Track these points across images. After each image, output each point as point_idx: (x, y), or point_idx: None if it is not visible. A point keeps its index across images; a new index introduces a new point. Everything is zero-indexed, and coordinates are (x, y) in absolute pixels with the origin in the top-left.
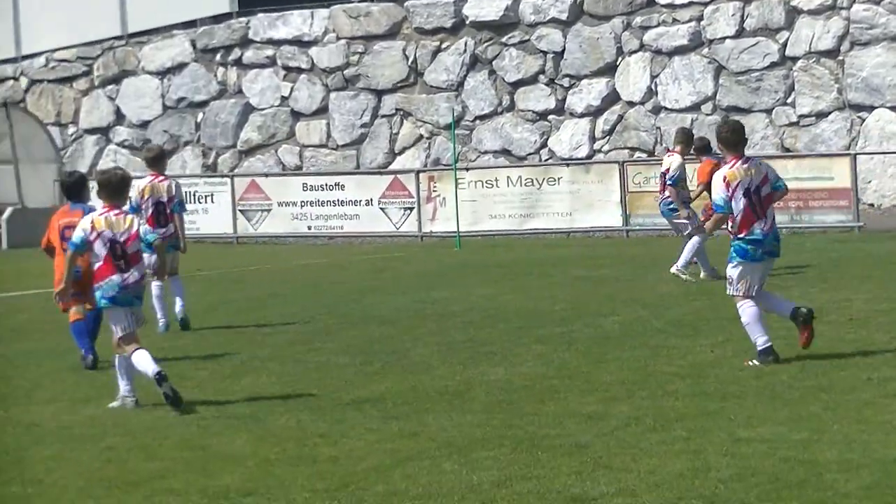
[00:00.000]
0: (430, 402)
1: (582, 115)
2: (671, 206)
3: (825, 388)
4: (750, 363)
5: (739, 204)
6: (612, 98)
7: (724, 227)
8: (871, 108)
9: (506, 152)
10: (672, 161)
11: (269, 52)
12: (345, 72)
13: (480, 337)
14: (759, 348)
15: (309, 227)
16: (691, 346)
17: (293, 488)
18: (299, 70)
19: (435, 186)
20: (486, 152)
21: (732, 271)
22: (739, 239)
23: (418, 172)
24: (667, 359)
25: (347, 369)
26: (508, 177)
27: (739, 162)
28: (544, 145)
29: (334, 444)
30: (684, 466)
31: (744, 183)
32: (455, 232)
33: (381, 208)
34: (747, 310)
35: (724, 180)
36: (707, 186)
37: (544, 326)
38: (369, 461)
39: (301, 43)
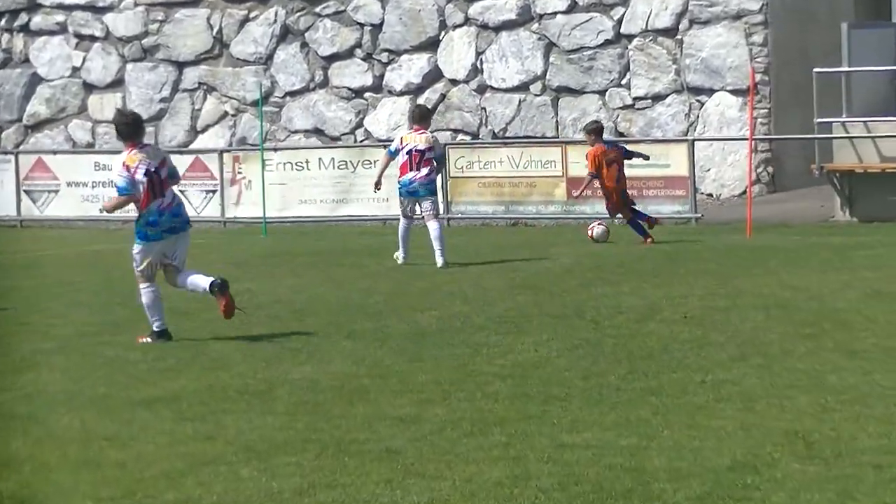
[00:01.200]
0: (228, 403)
1: (401, 94)
2: (434, 185)
3: (655, 390)
4: (143, 339)
5: (139, 187)
6: (435, 75)
7: None
8: (710, 92)
9: (318, 132)
10: (427, 137)
11: (60, 17)
12: (143, 41)
13: (286, 332)
14: (154, 330)
15: (101, 211)
16: (514, 344)
17: (74, 496)
18: (93, 38)
19: (240, 168)
20: (296, 132)
21: (135, 254)
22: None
23: (222, 152)
24: (487, 358)
25: (139, 365)
26: (321, 158)
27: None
28: (360, 125)
29: (122, 447)
30: (503, 474)
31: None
32: (261, 218)
33: (180, 191)
34: (146, 293)
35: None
36: (597, 173)
37: (356, 321)
38: (160, 466)
39: (95, 9)
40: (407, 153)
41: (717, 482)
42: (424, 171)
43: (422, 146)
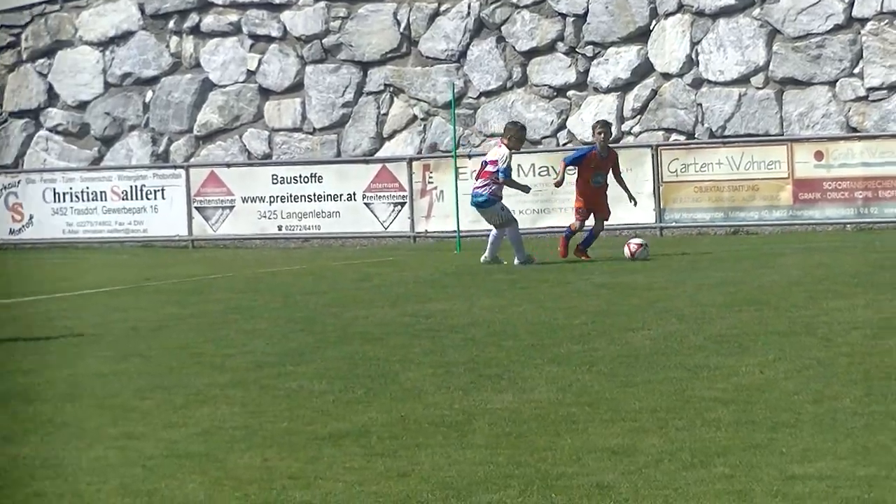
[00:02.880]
0: (422, 436)
1: (608, 91)
2: (485, 198)
3: None
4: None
5: None
6: (645, 69)
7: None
8: None
9: None
10: (500, 152)
11: (233, 17)
12: (323, 40)
13: (484, 357)
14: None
15: (279, 228)
16: (736, 365)
17: None
18: (269, 39)
19: (431, 177)
20: (493, 135)
21: None
22: None
23: (411, 160)
24: (707, 381)
25: (324, 397)
26: (520, 164)
27: None
28: (563, 126)
29: (307, 486)
30: None
31: None
32: (455, 231)
33: (366, 204)
34: None
35: None
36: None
37: (561, 344)
38: None
39: (271, 6)
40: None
41: None
42: (479, 182)
43: (486, 157)
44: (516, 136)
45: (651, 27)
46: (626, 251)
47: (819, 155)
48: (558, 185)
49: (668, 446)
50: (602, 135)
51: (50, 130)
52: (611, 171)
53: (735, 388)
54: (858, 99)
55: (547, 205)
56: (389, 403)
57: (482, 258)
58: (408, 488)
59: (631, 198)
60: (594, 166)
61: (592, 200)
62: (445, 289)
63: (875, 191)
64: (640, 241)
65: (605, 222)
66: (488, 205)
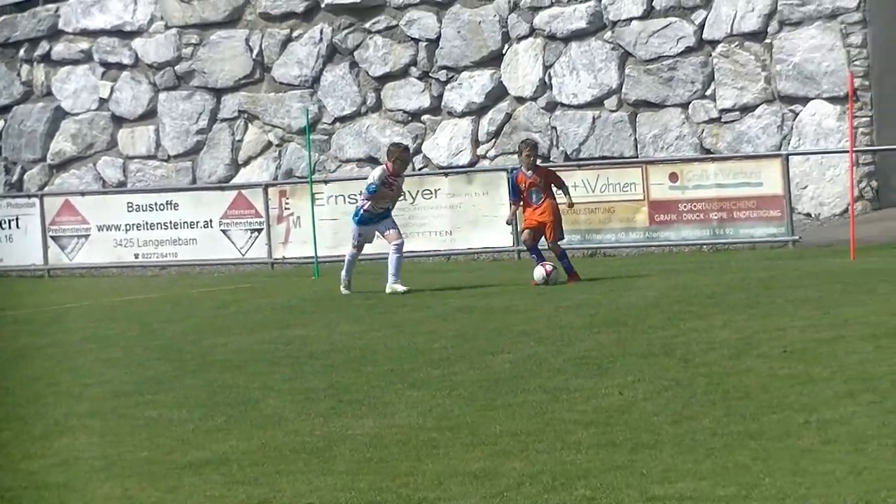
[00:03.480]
0: (283, 463)
1: (462, 115)
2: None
3: (755, 434)
4: None
5: None
6: (499, 93)
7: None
8: (805, 100)
9: (372, 160)
10: (374, 171)
11: (84, 45)
12: (176, 67)
13: (344, 383)
14: None
15: (136, 256)
16: (596, 387)
17: None
18: (120, 66)
19: (287, 203)
20: (348, 161)
21: None
22: None
23: (267, 187)
24: (567, 404)
25: (184, 426)
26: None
27: None
28: (418, 151)
29: None
30: None
31: None
32: (313, 257)
33: (222, 231)
34: None
35: None
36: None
37: (421, 369)
38: None
39: (122, 34)
40: None
41: None
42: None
43: None
44: (400, 157)
45: (504, 51)
46: (540, 273)
47: (674, 176)
48: (509, 223)
49: (529, 469)
50: (528, 156)
51: None
52: (553, 185)
53: (595, 410)
54: (711, 120)
55: (405, 229)
56: (250, 431)
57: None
58: None
59: (570, 204)
60: (525, 187)
61: (535, 220)
62: (304, 315)
63: (730, 211)
64: (552, 265)
65: (554, 241)
66: (353, 221)
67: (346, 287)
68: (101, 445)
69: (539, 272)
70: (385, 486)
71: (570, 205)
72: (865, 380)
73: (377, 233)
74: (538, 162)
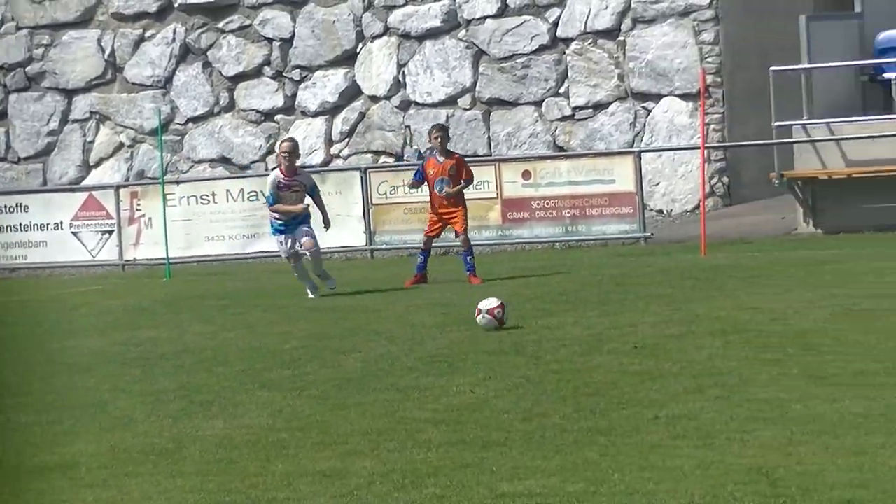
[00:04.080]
0: (132, 465)
1: (316, 114)
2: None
3: (604, 430)
4: None
5: None
6: (353, 92)
7: None
8: (657, 97)
9: (225, 160)
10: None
11: None
12: (27, 68)
13: (195, 384)
14: None
15: None
16: (447, 386)
17: None
18: None
19: (139, 204)
20: (201, 161)
21: None
22: None
23: (118, 188)
24: (418, 402)
25: (31, 429)
26: (228, 190)
27: None
28: (271, 151)
29: None
30: None
31: None
32: (164, 259)
33: (73, 233)
34: None
35: None
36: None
37: (272, 369)
38: None
39: None
40: None
41: None
42: None
43: None
44: (281, 155)
45: (358, 50)
46: (488, 320)
47: (527, 174)
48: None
49: (379, 468)
50: (438, 139)
51: None
52: (462, 178)
53: (446, 409)
54: (564, 118)
55: (256, 230)
56: (99, 434)
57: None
58: None
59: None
60: (433, 173)
61: (442, 211)
62: (155, 316)
63: (582, 209)
64: (497, 301)
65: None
66: (271, 233)
67: (312, 291)
68: None
69: (486, 320)
70: (234, 486)
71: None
72: (713, 375)
73: (295, 240)
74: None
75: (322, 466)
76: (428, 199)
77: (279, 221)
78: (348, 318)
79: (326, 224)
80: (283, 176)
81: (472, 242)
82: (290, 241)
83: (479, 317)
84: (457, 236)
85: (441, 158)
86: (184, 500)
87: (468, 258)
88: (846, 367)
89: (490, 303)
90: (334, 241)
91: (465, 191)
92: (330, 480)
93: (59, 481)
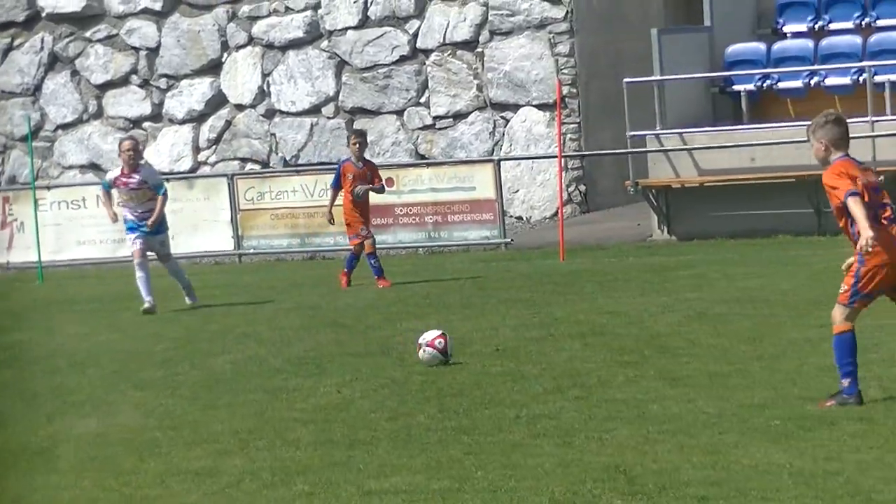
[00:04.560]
0: (6, 464)
1: (183, 122)
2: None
3: (468, 429)
4: None
5: None
6: (219, 100)
7: None
8: (515, 107)
9: (95, 167)
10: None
11: None
12: None
13: (68, 385)
14: None
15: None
16: (315, 386)
17: None
18: None
19: (11, 209)
20: (71, 167)
21: None
22: None
23: None
24: (287, 402)
25: None
26: (98, 195)
27: None
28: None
29: None
30: None
31: None
32: (36, 262)
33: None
34: None
35: None
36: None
37: (144, 370)
38: None
39: None
40: None
41: None
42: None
43: None
44: (121, 154)
45: (223, 59)
46: (431, 353)
47: (390, 182)
48: (331, 221)
49: (249, 466)
50: (357, 145)
51: None
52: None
53: (314, 409)
54: (426, 127)
55: (124, 233)
56: None
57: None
58: None
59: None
60: (353, 177)
61: (358, 216)
62: (27, 320)
63: (444, 215)
64: (438, 331)
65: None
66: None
67: (149, 305)
68: None
69: (428, 354)
70: (109, 484)
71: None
72: (573, 376)
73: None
74: (367, 155)
75: (194, 465)
76: (295, 206)
77: (131, 221)
78: (218, 321)
79: (151, 224)
80: (121, 174)
81: (338, 246)
82: (142, 242)
83: (421, 352)
84: (365, 239)
85: (360, 164)
86: (59, 498)
87: (374, 261)
88: (700, 368)
89: (430, 335)
90: (203, 246)
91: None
92: (201, 479)
93: None
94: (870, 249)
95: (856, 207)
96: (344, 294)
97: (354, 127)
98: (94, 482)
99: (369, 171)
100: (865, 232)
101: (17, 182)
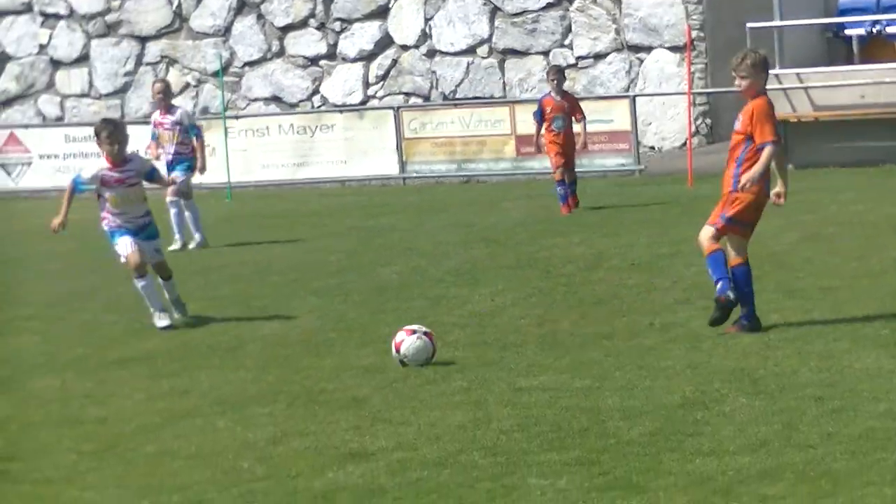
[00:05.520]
0: (200, 359)
1: (355, 60)
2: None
3: (607, 334)
4: None
5: None
6: (386, 42)
7: None
8: (649, 49)
9: (277, 99)
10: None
11: None
12: (106, 18)
13: (252, 291)
14: None
15: None
16: (470, 295)
17: (58, 451)
18: (57, 16)
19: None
20: (256, 100)
21: None
22: None
23: None
24: (446, 309)
25: (114, 327)
26: (280, 125)
27: None
28: (316, 92)
29: (101, 404)
30: (465, 418)
31: None
32: (226, 183)
33: (148, 159)
34: None
35: None
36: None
37: (319, 278)
38: (138, 421)
39: None
40: None
41: (668, 418)
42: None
43: None
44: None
45: (390, 5)
46: (425, 342)
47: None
48: (539, 150)
49: None
50: (554, 81)
51: None
52: (574, 117)
53: (469, 315)
54: (569, 66)
55: (304, 159)
56: (171, 332)
57: (196, 244)
58: (189, 404)
59: (584, 145)
60: (551, 110)
61: (557, 147)
62: (218, 233)
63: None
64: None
65: (571, 170)
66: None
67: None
68: (41, 344)
69: (421, 342)
70: (290, 378)
71: (584, 145)
72: (700, 288)
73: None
74: (565, 87)
75: (364, 362)
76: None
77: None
78: (382, 236)
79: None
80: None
81: (490, 171)
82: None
83: (415, 336)
84: (565, 168)
85: (558, 98)
86: (246, 389)
87: (569, 188)
88: (813, 283)
89: (422, 327)
90: (372, 170)
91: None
92: (371, 374)
93: (138, 370)
94: None
95: None
96: (495, 213)
97: (552, 66)
98: (277, 377)
99: (568, 103)
100: None
101: (210, 112)
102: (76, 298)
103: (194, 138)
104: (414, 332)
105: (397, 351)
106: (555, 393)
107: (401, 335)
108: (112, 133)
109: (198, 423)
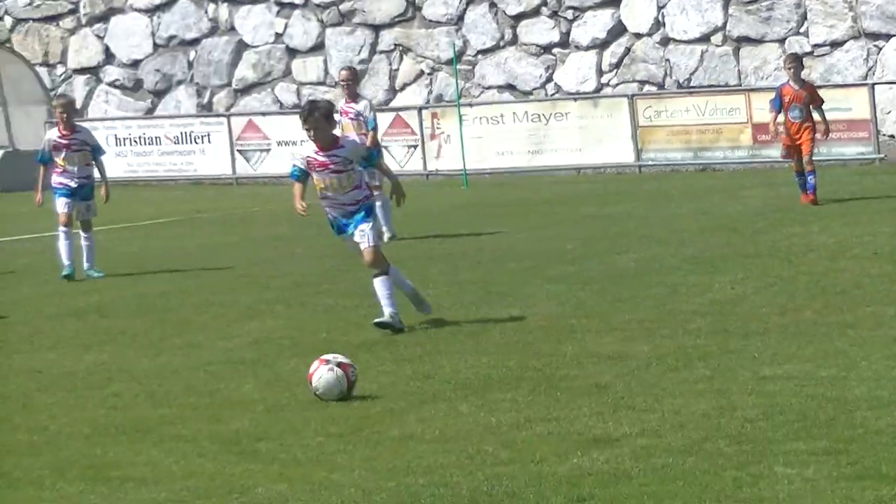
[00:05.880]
0: (443, 344)
1: (588, 49)
2: None
3: (851, 324)
4: None
5: None
6: (619, 30)
7: None
8: (887, 37)
9: (510, 87)
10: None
11: None
12: (340, 7)
13: (491, 277)
14: None
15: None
16: (710, 283)
17: (306, 433)
18: (293, 6)
19: (439, 124)
20: (489, 87)
21: None
22: None
23: (420, 109)
24: (686, 297)
25: (357, 311)
26: (514, 112)
27: None
28: (550, 79)
29: None
30: (709, 406)
31: None
32: (461, 170)
33: (384, 146)
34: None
35: None
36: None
37: (556, 266)
38: (383, 404)
39: None
40: None
41: None
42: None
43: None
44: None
45: None
46: (339, 374)
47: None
48: (776, 136)
49: (655, 352)
50: (791, 69)
51: (109, 85)
52: (811, 105)
53: (710, 303)
54: (805, 54)
55: (538, 146)
56: (413, 316)
57: (387, 238)
58: (432, 388)
59: (826, 131)
60: (789, 100)
61: (794, 136)
62: (455, 220)
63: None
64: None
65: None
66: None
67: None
68: (286, 328)
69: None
70: (530, 364)
71: (826, 132)
72: None
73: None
74: (803, 76)
75: (605, 349)
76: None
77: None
78: (619, 224)
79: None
80: (57, 135)
81: (727, 160)
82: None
83: (327, 368)
84: (801, 158)
85: (796, 87)
86: (488, 374)
87: (810, 178)
88: None
89: (340, 357)
90: (607, 158)
91: (713, 117)
92: (613, 361)
93: (382, 354)
94: None
95: None
96: (733, 201)
97: (790, 54)
98: (519, 362)
99: (807, 92)
100: None
101: (444, 100)
102: (319, 283)
103: (371, 130)
104: (327, 362)
105: (310, 382)
106: (800, 382)
107: (314, 365)
108: (307, 118)
109: (441, 407)
